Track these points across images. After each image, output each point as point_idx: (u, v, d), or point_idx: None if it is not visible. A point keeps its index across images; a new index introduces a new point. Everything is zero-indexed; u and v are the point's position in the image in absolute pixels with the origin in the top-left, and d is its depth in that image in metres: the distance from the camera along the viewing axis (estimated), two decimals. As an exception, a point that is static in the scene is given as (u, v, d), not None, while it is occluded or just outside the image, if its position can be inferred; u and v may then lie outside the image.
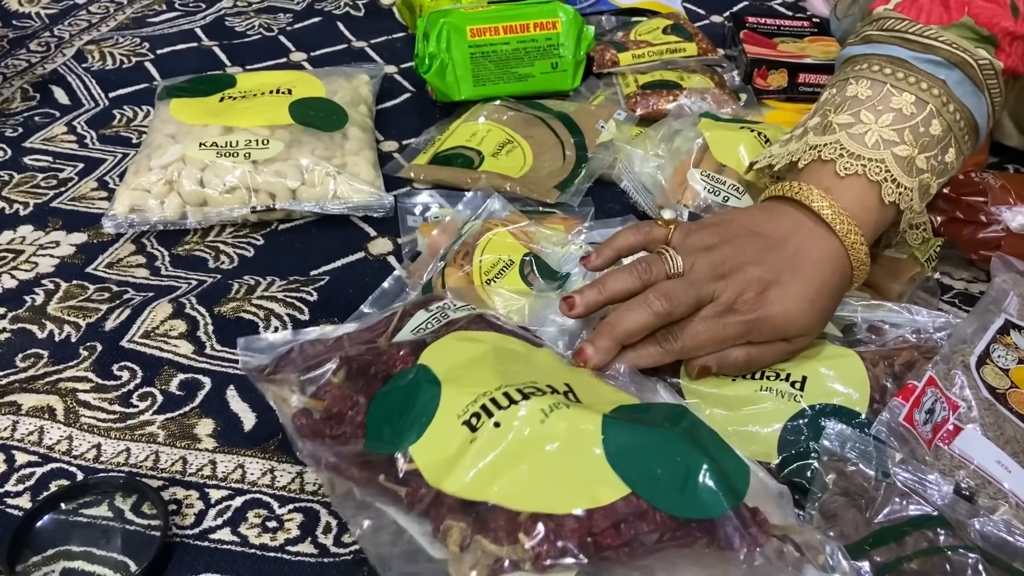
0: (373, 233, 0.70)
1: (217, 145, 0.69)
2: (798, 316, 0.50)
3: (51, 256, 0.66)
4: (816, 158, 0.54)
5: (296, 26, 1.02)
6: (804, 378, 0.51)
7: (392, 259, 0.67)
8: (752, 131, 0.70)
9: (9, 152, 0.77)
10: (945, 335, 0.55)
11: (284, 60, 0.95)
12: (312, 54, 0.96)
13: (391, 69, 0.94)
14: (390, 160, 0.78)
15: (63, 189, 0.73)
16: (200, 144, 0.69)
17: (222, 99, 0.76)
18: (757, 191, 0.65)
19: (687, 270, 0.50)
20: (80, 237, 0.68)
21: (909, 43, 0.54)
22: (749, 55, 0.88)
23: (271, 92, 0.76)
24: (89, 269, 0.65)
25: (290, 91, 0.76)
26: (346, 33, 1.01)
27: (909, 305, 0.57)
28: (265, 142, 0.69)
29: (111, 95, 0.86)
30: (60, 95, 0.86)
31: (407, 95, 0.90)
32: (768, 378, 0.51)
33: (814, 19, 0.98)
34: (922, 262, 0.62)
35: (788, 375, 0.51)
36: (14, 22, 0.99)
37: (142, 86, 0.88)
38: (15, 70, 0.89)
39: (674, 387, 0.51)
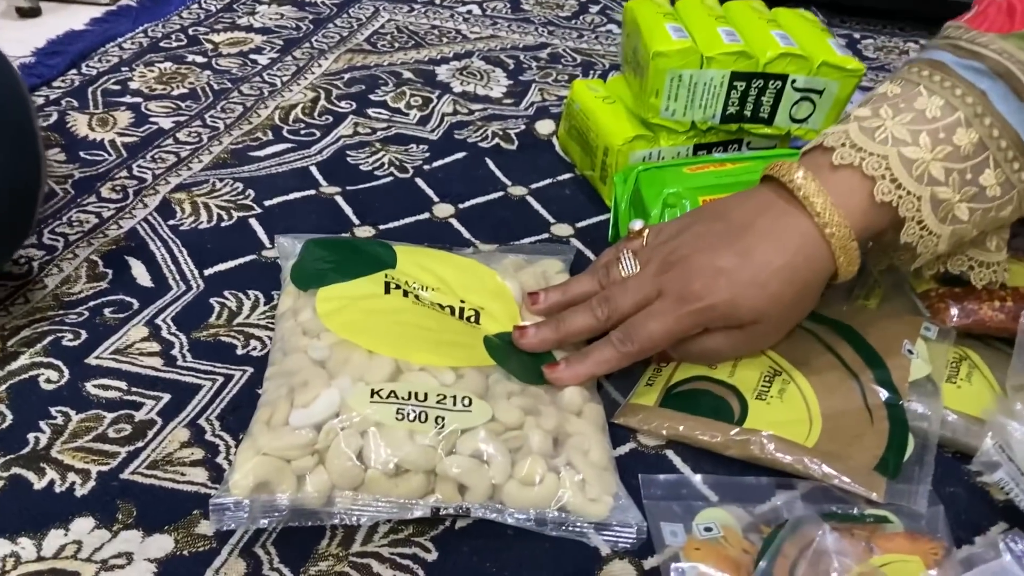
0: (606, 552, 0.45)
1: (397, 397, 0.45)
2: (747, 301, 0.49)
3: (119, 585, 0.42)
4: (819, 144, 0.50)
5: (435, 164, 0.80)
6: None
7: (644, 601, 0.43)
8: None
9: (67, 374, 0.54)
10: None
11: (427, 216, 0.72)
12: (461, 207, 0.74)
13: (564, 230, 0.71)
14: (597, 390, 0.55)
15: (140, 444, 0.50)
16: (373, 394, 0.45)
17: (388, 287, 0.53)
18: None
19: (642, 270, 0.52)
20: (164, 544, 0.44)
21: (957, 49, 0.49)
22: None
23: (451, 311, 0.53)
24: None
25: (477, 315, 0.53)
26: (498, 175, 0.79)
27: None
28: (466, 402, 0.46)
29: (207, 272, 0.64)
30: (139, 272, 0.63)
31: (597, 275, 0.66)
32: None
33: None
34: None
35: None
36: (82, 154, 0.78)
37: (248, 258, 0.65)
38: (81, 230, 0.68)
39: None
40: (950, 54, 0.49)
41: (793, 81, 0.68)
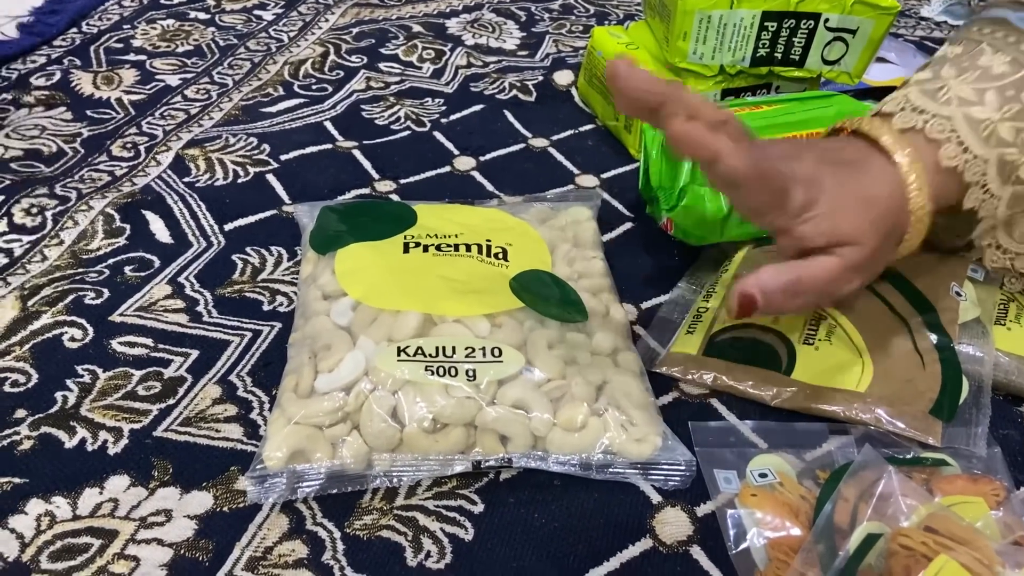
0: (657, 500, 0.44)
1: (424, 354, 0.44)
2: (848, 216, 0.43)
3: (158, 544, 0.41)
4: (877, 111, 0.47)
5: (453, 117, 0.78)
6: None
7: (698, 552, 0.42)
8: None
9: (91, 332, 0.53)
10: None
11: (448, 170, 0.70)
12: (482, 159, 0.72)
13: (589, 181, 0.70)
14: (634, 341, 0.53)
15: (171, 401, 0.48)
16: (400, 351, 0.44)
17: (407, 247, 0.52)
18: None
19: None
20: (203, 500, 0.43)
21: (1018, 4, 0.46)
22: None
23: (478, 250, 0.51)
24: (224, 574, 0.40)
25: (505, 252, 0.51)
26: (518, 127, 0.76)
27: None
28: (496, 352, 0.44)
29: (227, 227, 0.62)
30: (158, 227, 0.62)
31: (626, 226, 0.64)
32: None
33: None
34: None
35: None
36: (89, 112, 0.76)
37: (268, 213, 0.64)
38: (94, 185, 0.66)
39: None
40: (1011, 10, 0.46)
41: (826, 20, 0.65)
